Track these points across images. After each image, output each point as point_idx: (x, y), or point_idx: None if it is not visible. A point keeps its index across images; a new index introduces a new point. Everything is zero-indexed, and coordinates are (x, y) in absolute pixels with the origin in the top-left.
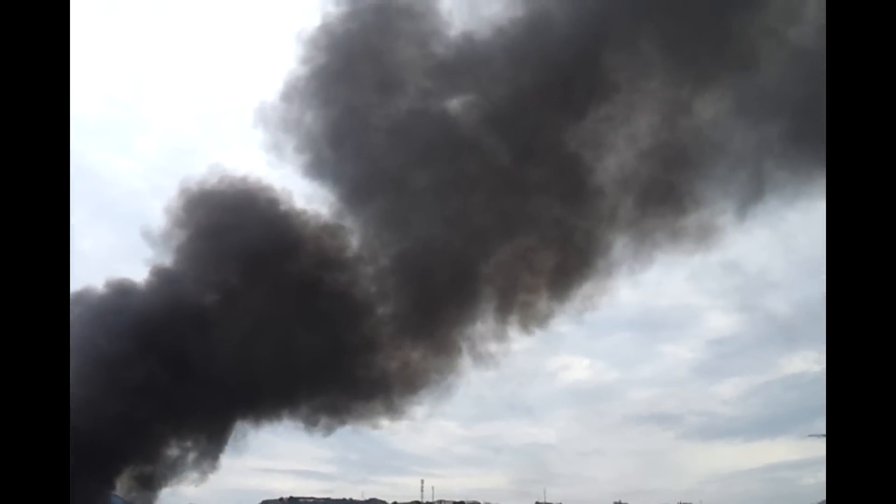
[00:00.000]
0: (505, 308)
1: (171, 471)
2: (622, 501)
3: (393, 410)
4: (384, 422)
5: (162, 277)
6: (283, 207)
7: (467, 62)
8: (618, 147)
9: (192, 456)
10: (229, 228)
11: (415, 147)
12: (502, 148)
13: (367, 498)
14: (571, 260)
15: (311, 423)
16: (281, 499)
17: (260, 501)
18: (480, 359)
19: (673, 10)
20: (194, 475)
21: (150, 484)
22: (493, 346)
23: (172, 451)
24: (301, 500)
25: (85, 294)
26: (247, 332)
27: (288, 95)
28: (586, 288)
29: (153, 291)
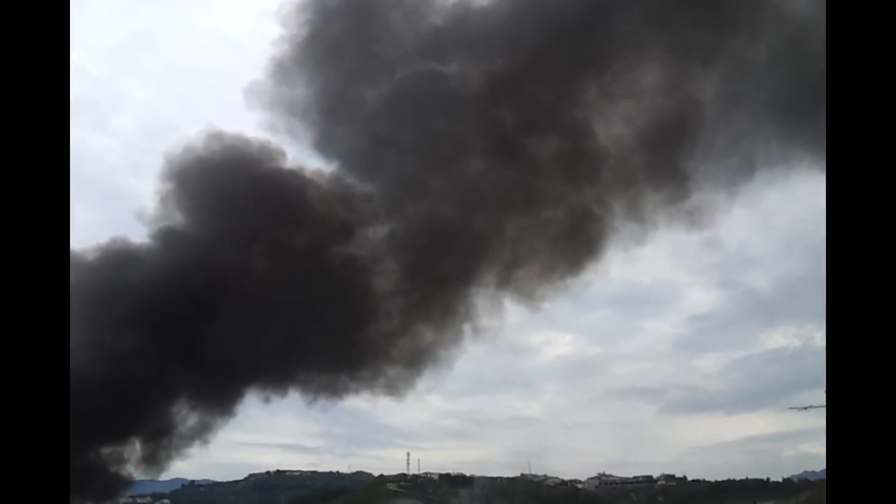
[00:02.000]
0: (502, 281)
1: (175, 445)
2: (606, 473)
3: (394, 385)
4: (384, 397)
5: (165, 242)
6: (288, 170)
7: (465, 29)
8: (620, 119)
9: (192, 427)
10: (231, 195)
11: (415, 114)
12: (504, 115)
13: (353, 471)
14: (572, 234)
15: (311, 397)
16: (268, 472)
17: (247, 475)
18: (478, 332)
19: None
20: (192, 448)
21: (155, 460)
22: (488, 321)
23: (178, 424)
24: (288, 473)
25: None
26: (254, 308)
27: (276, 72)
28: (583, 264)
29: (155, 266)
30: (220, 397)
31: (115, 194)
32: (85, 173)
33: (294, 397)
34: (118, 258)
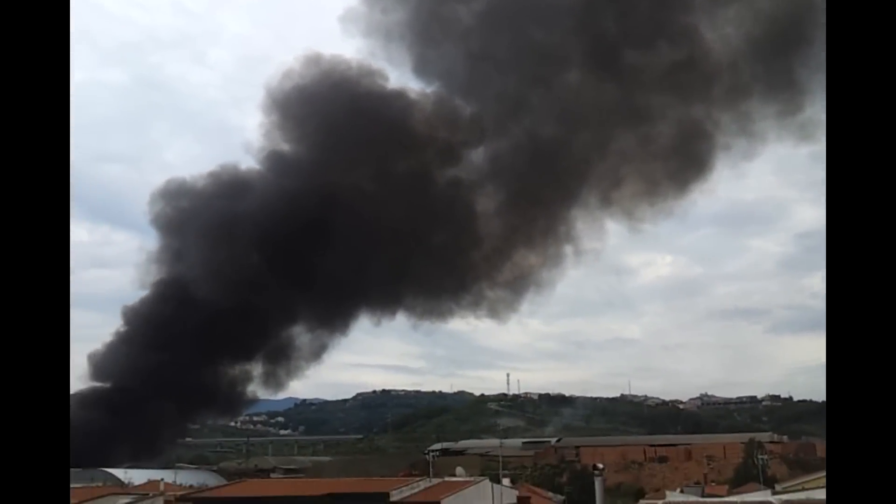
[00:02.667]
0: (604, 201)
1: (293, 365)
2: (708, 393)
3: (496, 309)
4: (486, 320)
5: (274, 170)
6: (392, 92)
7: None
8: (730, 24)
9: (307, 348)
10: (334, 119)
11: (511, 27)
12: (605, 24)
13: (455, 390)
14: (678, 151)
15: (415, 321)
16: (374, 391)
17: (355, 394)
18: (579, 254)
19: None
20: (306, 368)
21: (274, 379)
22: (589, 242)
23: (295, 346)
24: (393, 392)
25: (182, 191)
26: (363, 234)
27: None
28: (689, 183)
29: (268, 194)
30: (333, 319)
31: (218, 128)
32: (187, 109)
33: (398, 320)
34: (230, 187)
